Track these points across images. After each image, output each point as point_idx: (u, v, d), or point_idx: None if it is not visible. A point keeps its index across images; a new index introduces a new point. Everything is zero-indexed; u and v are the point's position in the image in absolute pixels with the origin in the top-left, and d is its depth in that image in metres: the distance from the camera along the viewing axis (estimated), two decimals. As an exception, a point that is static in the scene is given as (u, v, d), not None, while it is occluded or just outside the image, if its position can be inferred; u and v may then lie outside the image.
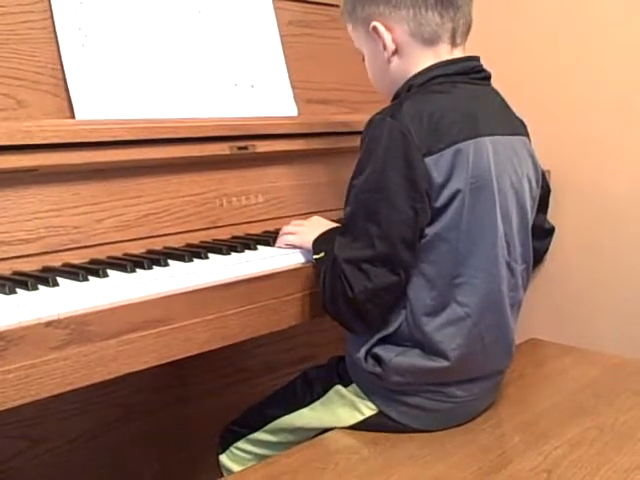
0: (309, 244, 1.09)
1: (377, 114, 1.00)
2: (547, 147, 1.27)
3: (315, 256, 1.06)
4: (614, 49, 1.63)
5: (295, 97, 1.43)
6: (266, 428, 1.13)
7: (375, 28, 1.05)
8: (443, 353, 1.01)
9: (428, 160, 0.95)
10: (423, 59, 1.05)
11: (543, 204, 1.21)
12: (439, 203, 0.97)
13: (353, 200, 1.00)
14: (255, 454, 1.14)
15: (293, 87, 1.43)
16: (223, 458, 1.17)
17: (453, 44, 1.05)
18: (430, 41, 1.04)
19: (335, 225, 1.13)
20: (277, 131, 1.29)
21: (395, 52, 1.05)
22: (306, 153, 1.36)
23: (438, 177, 0.96)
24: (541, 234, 1.22)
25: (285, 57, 1.43)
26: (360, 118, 1.36)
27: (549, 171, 1.53)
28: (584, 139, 1.70)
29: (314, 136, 1.35)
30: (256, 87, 1.38)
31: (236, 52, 1.36)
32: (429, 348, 1.01)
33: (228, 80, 1.33)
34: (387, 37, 1.04)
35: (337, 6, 1.17)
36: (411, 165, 0.95)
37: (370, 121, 1.01)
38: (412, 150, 0.95)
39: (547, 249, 1.26)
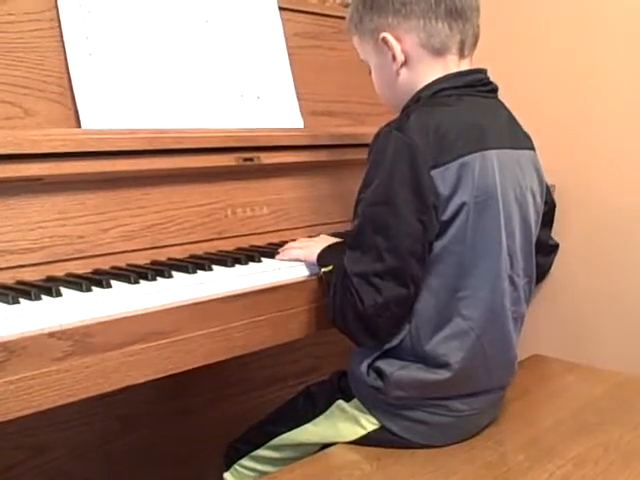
0: (314, 257, 1.08)
1: (384, 127, 1.00)
2: (552, 161, 1.26)
3: (323, 269, 1.05)
4: (621, 62, 1.63)
5: (301, 109, 1.42)
6: (269, 445, 1.12)
7: (385, 39, 1.04)
8: (445, 366, 1.00)
9: (434, 173, 0.95)
10: (431, 70, 1.05)
11: (548, 219, 1.21)
12: (446, 216, 0.97)
13: (361, 213, 0.99)
14: (258, 471, 1.13)
15: (299, 98, 1.43)
16: (227, 476, 1.17)
17: (461, 56, 1.05)
18: (439, 52, 1.04)
19: (341, 240, 1.12)
20: (283, 143, 1.29)
21: (404, 63, 1.05)
22: (311, 165, 1.35)
23: (444, 190, 0.96)
24: (545, 250, 1.21)
25: (291, 68, 1.43)
26: (365, 130, 1.37)
27: (554, 185, 1.52)
28: (589, 153, 1.70)
29: (319, 148, 1.35)
30: (262, 98, 1.37)
31: (242, 63, 1.36)
32: (431, 361, 1.00)
33: (234, 91, 1.33)
34: (397, 48, 1.04)
35: (343, 18, 1.17)
36: (418, 178, 0.95)
37: (377, 134, 1.01)
38: (419, 163, 0.95)
39: (550, 266, 1.26)
